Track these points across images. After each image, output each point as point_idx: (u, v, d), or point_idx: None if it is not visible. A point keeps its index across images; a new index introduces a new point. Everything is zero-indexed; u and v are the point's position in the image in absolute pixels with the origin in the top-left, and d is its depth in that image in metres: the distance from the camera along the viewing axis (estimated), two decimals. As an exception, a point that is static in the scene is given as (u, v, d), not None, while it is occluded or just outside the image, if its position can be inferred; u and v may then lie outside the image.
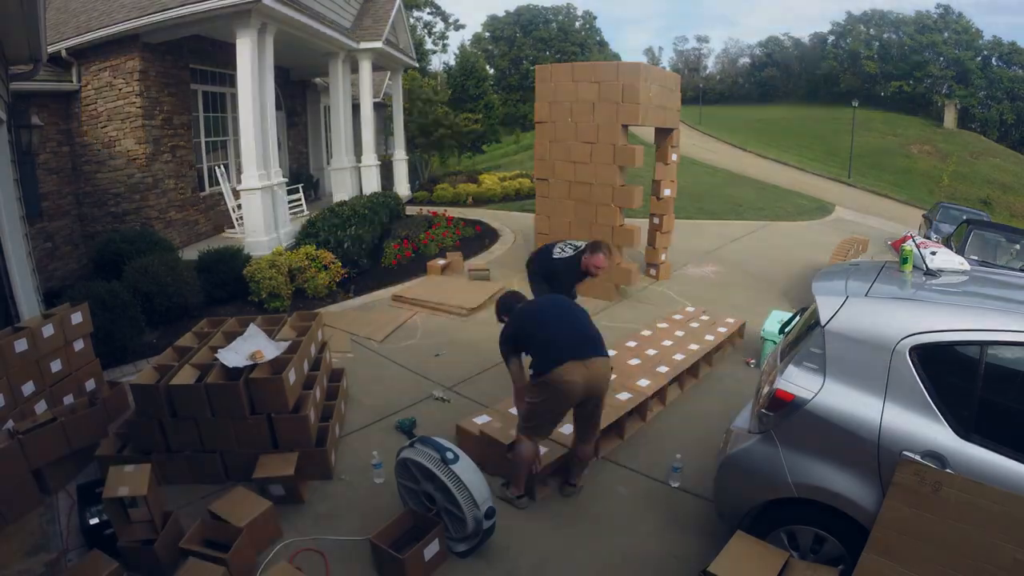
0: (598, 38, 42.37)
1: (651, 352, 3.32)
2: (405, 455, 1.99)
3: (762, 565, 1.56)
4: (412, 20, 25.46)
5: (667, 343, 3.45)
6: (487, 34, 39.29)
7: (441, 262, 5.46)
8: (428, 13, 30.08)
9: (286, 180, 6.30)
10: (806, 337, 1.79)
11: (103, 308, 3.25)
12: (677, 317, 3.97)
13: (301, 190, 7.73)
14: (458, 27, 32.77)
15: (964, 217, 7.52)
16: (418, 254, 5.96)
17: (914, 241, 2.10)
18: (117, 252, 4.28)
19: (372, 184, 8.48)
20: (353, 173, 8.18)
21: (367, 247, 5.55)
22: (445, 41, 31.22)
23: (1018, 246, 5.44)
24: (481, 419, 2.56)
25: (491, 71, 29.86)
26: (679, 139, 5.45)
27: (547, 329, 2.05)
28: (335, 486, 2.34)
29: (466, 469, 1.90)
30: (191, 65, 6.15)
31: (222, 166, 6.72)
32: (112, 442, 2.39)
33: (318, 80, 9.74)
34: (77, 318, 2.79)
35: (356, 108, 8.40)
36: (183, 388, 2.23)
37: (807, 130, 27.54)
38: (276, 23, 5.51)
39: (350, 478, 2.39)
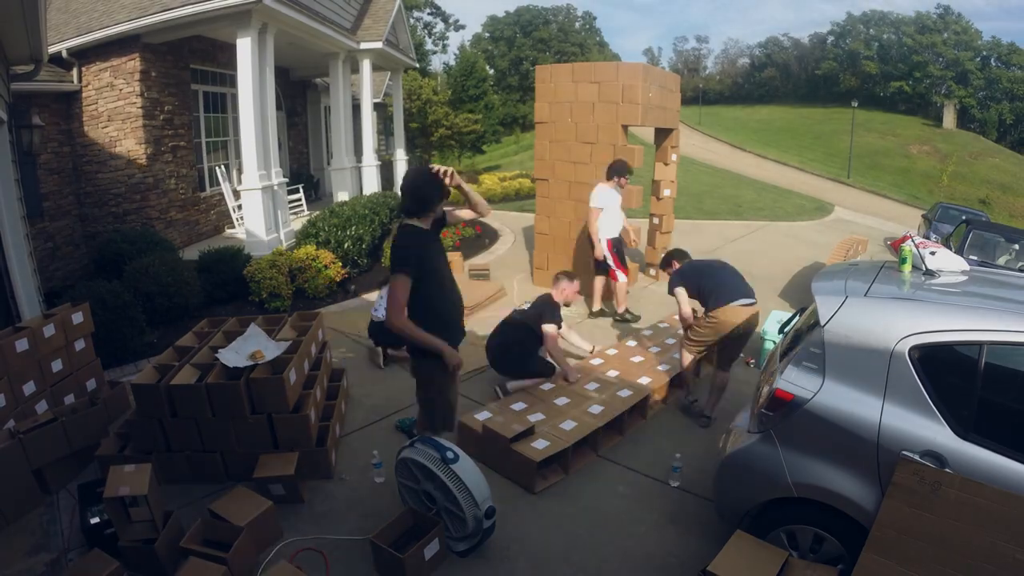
0: (598, 39, 42.43)
1: (654, 349, 3.33)
2: (405, 455, 1.99)
3: (762, 564, 1.57)
4: (412, 21, 25.50)
5: (669, 341, 3.46)
6: (487, 34, 39.33)
7: (441, 262, 5.45)
8: (428, 13, 30.16)
9: (286, 180, 6.31)
10: (805, 337, 1.80)
11: (104, 308, 3.25)
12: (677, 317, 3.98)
13: (301, 190, 7.74)
14: (458, 27, 32.87)
15: (963, 217, 7.53)
16: (418, 254, 5.94)
17: (913, 241, 2.10)
18: (118, 252, 4.29)
19: (372, 184, 8.48)
20: (353, 173, 8.19)
21: (367, 247, 5.56)
22: (445, 41, 31.33)
23: (1017, 246, 5.45)
24: (482, 415, 2.56)
25: (491, 71, 29.86)
26: (679, 139, 5.46)
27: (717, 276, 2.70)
28: (335, 486, 2.34)
29: (466, 468, 1.90)
30: (192, 65, 6.16)
31: (223, 166, 6.73)
32: (113, 442, 2.39)
33: (318, 80, 9.75)
34: (78, 318, 2.80)
35: (356, 108, 8.41)
36: (184, 388, 2.23)
37: (806, 130, 27.57)
38: (277, 23, 5.51)
39: (350, 478, 2.39)
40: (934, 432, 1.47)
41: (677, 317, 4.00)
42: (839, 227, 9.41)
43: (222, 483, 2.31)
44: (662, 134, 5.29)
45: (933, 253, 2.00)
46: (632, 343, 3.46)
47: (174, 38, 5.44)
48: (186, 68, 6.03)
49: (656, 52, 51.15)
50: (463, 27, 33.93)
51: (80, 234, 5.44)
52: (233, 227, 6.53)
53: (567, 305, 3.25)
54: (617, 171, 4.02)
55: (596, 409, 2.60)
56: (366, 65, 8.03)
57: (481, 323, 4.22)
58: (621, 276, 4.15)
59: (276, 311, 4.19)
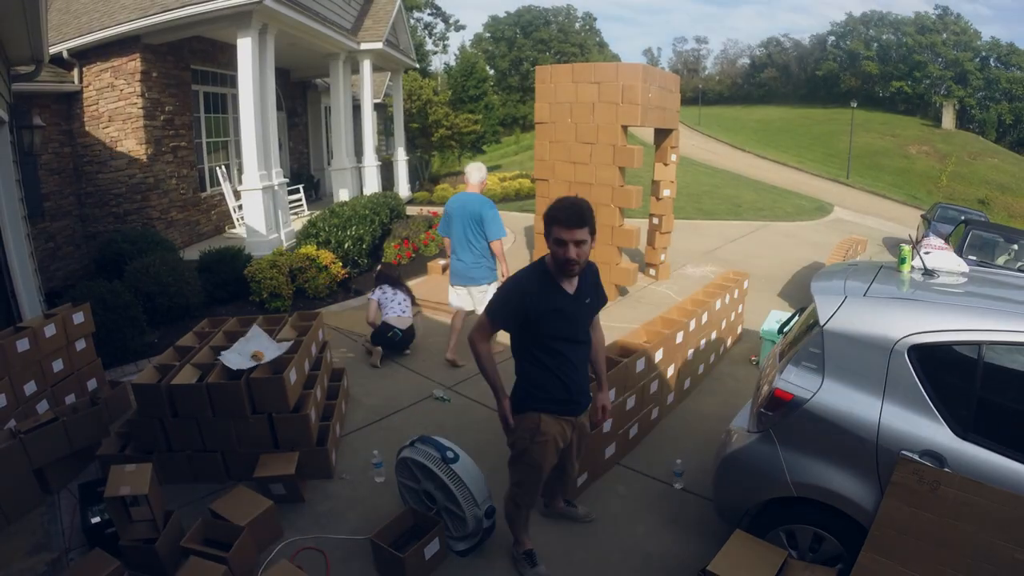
0: (598, 39, 42.47)
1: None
2: (405, 454, 1.99)
3: (761, 564, 1.57)
4: (412, 21, 25.52)
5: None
6: (487, 35, 39.37)
7: (442, 262, 5.47)
8: (428, 14, 30.18)
9: (287, 180, 6.32)
10: (805, 337, 1.80)
11: (105, 308, 3.26)
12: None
13: (302, 190, 7.74)
14: (458, 28, 32.85)
15: (962, 217, 7.53)
16: (418, 254, 5.96)
17: (913, 242, 2.10)
18: (119, 252, 4.29)
19: (373, 184, 8.49)
20: (354, 173, 8.20)
21: (368, 247, 5.56)
22: (445, 42, 31.35)
23: (1016, 246, 5.45)
24: None
25: (491, 72, 29.88)
26: (679, 140, 5.46)
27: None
28: (336, 485, 2.35)
29: (466, 468, 1.91)
30: (192, 66, 6.16)
31: (223, 166, 6.73)
32: (114, 441, 2.39)
33: (319, 81, 9.76)
34: (79, 318, 2.80)
35: (357, 108, 8.41)
36: (184, 388, 2.23)
37: (806, 131, 27.59)
38: (277, 24, 5.52)
39: (351, 477, 2.40)
40: (933, 432, 1.48)
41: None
42: (838, 227, 9.41)
43: (223, 483, 2.31)
44: (662, 134, 5.30)
45: (928, 253, 2.00)
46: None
47: (175, 39, 5.45)
48: (187, 68, 6.04)
49: (656, 52, 51.21)
50: (463, 27, 33.94)
51: (81, 234, 5.44)
52: (234, 227, 6.54)
53: None
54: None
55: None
56: (366, 66, 8.04)
57: (481, 323, 4.23)
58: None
59: (276, 311, 4.19)
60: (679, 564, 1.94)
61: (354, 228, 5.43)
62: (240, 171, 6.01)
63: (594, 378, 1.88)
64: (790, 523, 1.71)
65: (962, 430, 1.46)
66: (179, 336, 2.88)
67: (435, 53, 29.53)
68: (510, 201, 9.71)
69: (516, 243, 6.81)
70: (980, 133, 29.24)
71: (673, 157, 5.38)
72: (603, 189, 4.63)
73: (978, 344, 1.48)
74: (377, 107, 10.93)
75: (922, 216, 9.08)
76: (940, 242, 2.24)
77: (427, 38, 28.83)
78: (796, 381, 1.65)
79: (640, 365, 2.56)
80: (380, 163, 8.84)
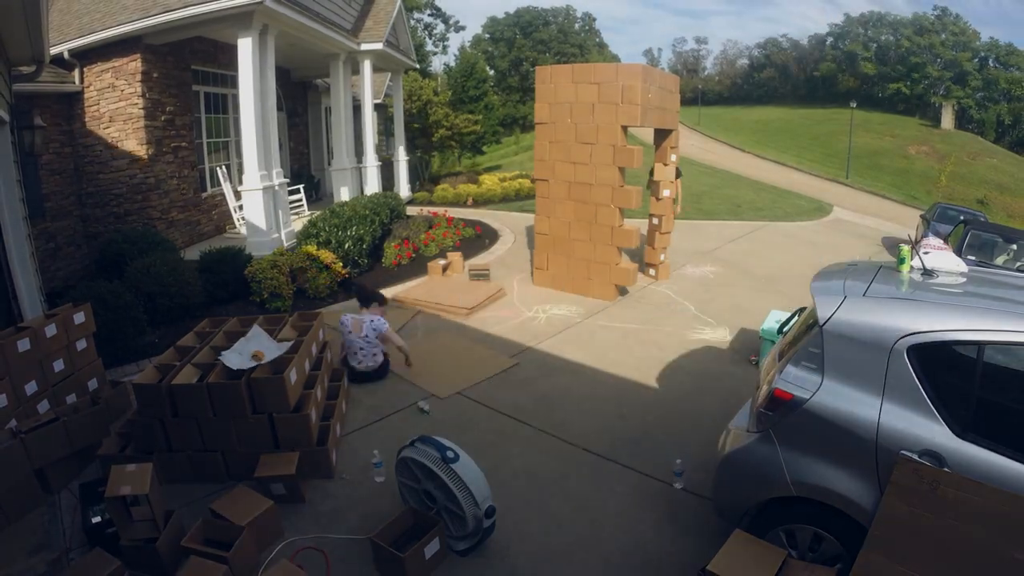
0: (597, 39, 42.49)
1: None
2: (405, 454, 2.00)
3: (760, 563, 1.57)
4: (412, 22, 25.55)
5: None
6: (487, 36, 39.38)
7: (441, 262, 5.47)
8: (428, 15, 30.19)
9: (287, 180, 6.32)
10: (804, 337, 1.81)
11: (105, 308, 3.26)
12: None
13: (302, 190, 7.74)
14: (458, 29, 32.88)
15: (961, 217, 7.54)
16: (418, 255, 5.97)
17: (913, 242, 2.11)
18: (119, 252, 4.30)
19: (373, 184, 8.49)
20: (354, 173, 8.20)
21: (368, 247, 5.57)
22: (445, 43, 31.35)
23: (1015, 246, 5.46)
24: None
25: (491, 72, 29.91)
26: (678, 140, 5.47)
27: None
28: (336, 485, 2.35)
29: (466, 468, 1.91)
30: (193, 66, 6.17)
31: (224, 167, 6.74)
32: (114, 441, 2.40)
33: (319, 81, 9.77)
34: (80, 318, 2.80)
35: (357, 109, 8.42)
36: (185, 388, 2.24)
37: (805, 131, 27.60)
38: (278, 25, 5.53)
39: (351, 477, 2.40)
40: (932, 431, 1.48)
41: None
42: (838, 227, 9.42)
43: (223, 483, 2.32)
44: (661, 135, 5.31)
45: (927, 253, 2.01)
46: None
47: (175, 39, 5.45)
48: (187, 69, 6.04)
49: (655, 53, 51.23)
50: (463, 28, 34.01)
51: (82, 234, 5.45)
52: (234, 227, 6.54)
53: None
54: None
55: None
56: (367, 66, 8.04)
57: (481, 322, 4.23)
58: None
59: (277, 311, 4.19)
60: (679, 563, 1.94)
61: (354, 228, 5.44)
62: (241, 171, 6.01)
63: None
64: (790, 523, 1.71)
65: (961, 430, 1.47)
66: (180, 336, 2.88)
67: (435, 54, 29.57)
68: (510, 201, 9.71)
69: (516, 243, 6.82)
70: (979, 133, 29.26)
71: (673, 157, 5.39)
72: (603, 189, 4.64)
73: (977, 344, 1.48)
74: (377, 107, 10.94)
75: (921, 216, 9.09)
76: (939, 242, 2.24)
77: (427, 39, 28.85)
78: (796, 381, 1.66)
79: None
80: (380, 163, 8.84)
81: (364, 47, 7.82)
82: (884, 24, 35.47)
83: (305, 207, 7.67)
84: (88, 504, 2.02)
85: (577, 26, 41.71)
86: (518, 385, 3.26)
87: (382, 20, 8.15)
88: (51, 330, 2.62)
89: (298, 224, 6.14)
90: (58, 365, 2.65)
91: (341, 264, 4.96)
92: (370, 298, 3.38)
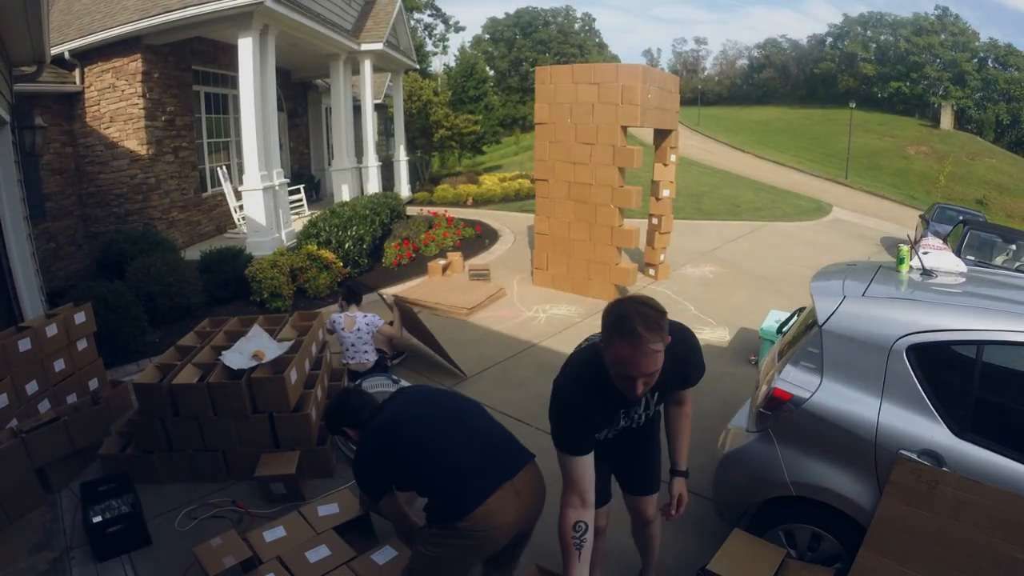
0: (597, 40, 42.47)
1: None
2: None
3: (760, 563, 1.58)
4: (412, 22, 25.55)
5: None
6: (487, 36, 39.37)
7: (441, 262, 5.48)
8: (428, 15, 30.20)
9: (288, 181, 6.33)
10: (803, 337, 1.81)
11: (106, 308, 3.27)
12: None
13: (303, 190, 7.75)
14: (458, 29, 32.87)
15: (960, 217, 7.55)
16: (418, 254, 5.98)
17: (912, 242, 2.12)
18: (120, 252, 4.30)
19: (373, 185, 8.50)
20: (354, 174, 8.21)
21: (368, 247, 5.58)
22: (445, 43, 31.35)
23: (1014, 246, 5.47)
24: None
25: (491, 73, 29.90)
26: (678, 140, 5.48)
27: (440, 448, 1.31)
28: (336, 484, 2.35)
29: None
30: (193, 67, 6.17)
31: (224, 167, 6.74)
32: (115, 441, 2.40)
33: (319, 81, 9.77)
34: (80, 318, 2.81)
35: (357, 109, 8.42)
36: (185, 387, 2.24)
37: (805, 131, 27.61)
38: (278, 25, 5.53)
39: (352, 476, 2.40)
40: (931, 431, 1.49)
41: None
42: (837, 227, 9.43)
43: (223, 482, 2.32)
44: (661, 135, 5.32)
45: (926, 252, 2.01)
46: None
47: (176, 39, 5.46)
48: (188, 69, 6.05)
49: (655, 53, 51.24)
50: (463, 29, 33.97)
51: (82, 234, 5.45)
52: (235, 227, 6.54)
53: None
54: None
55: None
56: (367, 66, 8.05)
57: (482, 322, 4.24)
58: None
59: (277, 311, 4.20)
60: (678, 563, 1.95)
61: (355, 228, 5.45)
62: (241, 171, 6.02)
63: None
64: (789, 522, 1.71)
65: (960, 429, 1.47)
66: (180, 336, 2.88)
67: (435, 54, 29.57)
68: (510, 201, 9.72)
69: (516, 243, 6.83)
70: (978, 133, 29.28)
71: (672, 157, 5.40)
72: (603, 189, 4.64)
73: (976, 344, 1.49)
74: (377, 108, 10.94)
75: (920, 216, 9.10)
76: (938, 242, 2.25)
77: (427, 39, 28.87)
78: (795, 381, 1.66)
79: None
80: (380, 163, 8.85)
81: (364, 47, 7.83)
82: (883, 24, 35.50)
83: (305, 207, 7.67)
84: (89, 503, 2.02)
85: (577, 26, 41.71)
86: (518, 385, 3.26)
87: (382, 20, 8.16)
88: (52, 330, 2.63)
89: (298, 224, 6.15)
90: (59, 365, 2.66)
91: (341, 264, 4.96)
92: (360, 295, 3.37)
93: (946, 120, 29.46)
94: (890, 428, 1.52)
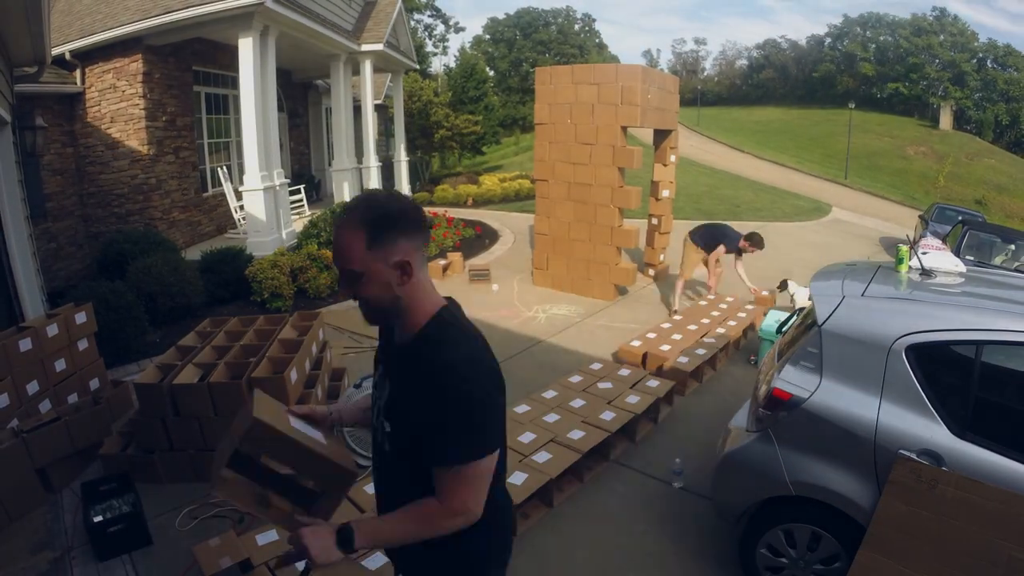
0: (597, 40, 42.49)
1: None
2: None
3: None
4: (413, 23, 25.57)
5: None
6: (487, 36, 39.39)
7: (442, 263, 5.48)
8: (429, 16, 30.24)
9: (288, 181, 6.33)
10: (803, 337, 1.82)
11: (107, 308, 3.27)
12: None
13: (303, 191, 7.76)
14: (458, 30, 32.97)
15: (959, 218, 7.55)
16: (419, 255, 5.97)
17: (911, 242, 2.12)
18: (121, 252, 4.30)
19: (373, 185, 8.51)
20: (355, 174, 8.22)
21: (368, 248, 5.56)
22: (445, 43, 31.40)
23: (1013, 246, 5.47)
24: None
25: (491, 73, 29.93)
26: (678, 141, 5.49)
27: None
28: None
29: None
30: (194, 67, 6.18)
31: (225, 167, 6.75)
32: (116, 441, 2.40)
33: (320, 82, 9.78)
34: (81, 318, 2.81)
35: (357, 109, 8.43)
36: (186, 387, 2.24)
37: (804, 132, 27.63)
38: (278, 26, 5.54)
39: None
40: (931, 431, 1.49)
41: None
42: (837, 228, 9.44)
43: (225, 482, 2.32)
44: (661, 135, 5.33)
45: (925, 253, 2.02)
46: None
47: (176, 40, 5.46)
48: (188, 70, 6.05)
49: (655, 54, 51.31)
50: (463, 29, 34.13)
51: (83, 234, 5.45)
52: (235, 227, 6.55)
53: None
54: None
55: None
56: (367, 67, 8.06)
57: (482, 322, 4.23)
58: None
59: (278, 311, 4.20)
60: (678, 562, 1.95)
61: (355, 229, 5.44)
62: (241, 172, 6.02)
63: None
64: (788, 522, 1.72)
65: (959, 429, 1.47)
66: (181, 336, 2.89)
67: (435, 55, 29.62)
68: (510, 201, 9.74)
69: (516, 243, 6.83)
70: (977, 134, 29.30)
71: (672, 158, 5.40)
72: (603, 190, 4.65)
73: (975, 344, 1.49)
74: (378, 108, 10.96)
75: (920, 216, 9.11)
76: (937, 242, 2.26)
77: (427, 40, 28.90)
78: (794, 380, 1.67)
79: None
80: (381, 164, 8.86)
81: (364, 48, 7.84)
82: (882, 25, 35.54)
83: (306, 207, 7.68)
84: (90, 503, 2.02)
85: (577, 27, 41.74)
86: (518, 384, 3.27)
87: (382, 21, 8.17)
88: (53, 330, 2.63)
89: (299, 224, 6.15)
90: (60, 365, 2.66)
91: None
92: None
93: (945, 120, 29.47)
94: (889, 428, 1.52)
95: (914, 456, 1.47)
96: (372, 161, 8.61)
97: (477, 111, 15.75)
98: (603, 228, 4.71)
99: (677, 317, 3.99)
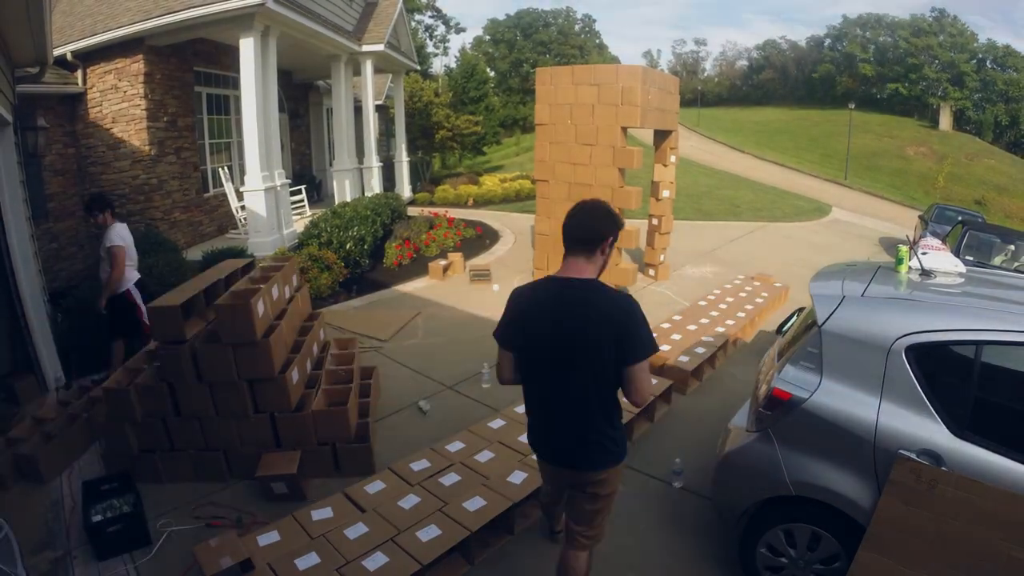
0: (597, 41, 42.55)
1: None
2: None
3: None
4: (413, 23, 25.62)
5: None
6: (487, 37, 39.44)
7: (442, 263, 5.49)
8: (429, 16, 30.29)
9: (289, 181, 6.34)
10: (803, 337, 1.82)
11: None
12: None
13: (304, 191, 7.76)
14: (459, 30, 33.03)
15: (959, 218, 7.55)
16: (419, 255, 5.99)
17: (911, 242, 2.13)
18: (121, 253, 4.30)
19: (374, 185, 8.52)
20: (355, 174, 8.23)
21: (369, 248, 5.59)
22: (446, 44, 31.47)
23: (1012, 246, 5.47)
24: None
25: (492, 74, 29.99)
26: (678, 141, 5.50)
27: None
28: (336, 483, 2.36)
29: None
30: (195, 68, 6.19)
31: (226, 168, 6.76)
32: (117, 440, 2.40)
33: (321, 82, 9.79)
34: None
35: (358, 110, 8.45)
36: (187, 387, 2.25)
37: (804, 132, 27.64)
38: (279, 26, 5.55)
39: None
40: (930, 431, 1.49)
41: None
42: (836, 228, 9.44)
43: (225, 481, 2.33)
44: (661, 136, 5.33)
45: (925, 253, 2.02)
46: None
47: (178, 41, 5.48)
48: (189, 70, 6.07)
49: (655, 54, 51.34)
50: (464, 30, 34.24)
51: (84, 235, 5.46)
52: (236, 228, 6.55)
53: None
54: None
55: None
56: (368, 67, 8.07)
57: (483, 322, 4.24)
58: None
59: (278, 312, 4.20)
60: (678, 562, 1.96)
61: (356, 229, 5.46)
62: (243, 172, 6.03)
63: None
64: (788, 522, 1.72)
65: (959, 429, 1.48)
66: (182, 336, 2.88)
67: (436, 55, 29.68)
68: (510, 202, 9.74)
69: (517, 243, 6.84)
70: (977, 134, 29.30)
71: (672, 158, 5.41)
72: (603, 190, 4.65)
73: (975, 344, 1.49)
74: (378, 108, 10.97)
75: (919, 217, 9.11)
76: (937, 243, 2.26)
77: (428, 40, 28.96)
78: (794, 381, 1.67)
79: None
80: (382, 164, 8.87)
81: (365, 49, 7.85)
82: (882, 25, 35.57)
83: (307, 208, 7.69)
84: (90, 503, 2.03)
85: (577, 27, 41.78)
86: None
87: (383, 22, 8.18)
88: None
89: (300, 224, 6.16)
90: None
91: (343, 264, 4.98)
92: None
93: (945, 121, 29.47)
94: (889, 428, 1.53)
95: (914, 456, 1.48)
96: (373, 161, 8.62)
97: (478, 111, 15.79)
98: (603, 228, 4.71)
99: None
